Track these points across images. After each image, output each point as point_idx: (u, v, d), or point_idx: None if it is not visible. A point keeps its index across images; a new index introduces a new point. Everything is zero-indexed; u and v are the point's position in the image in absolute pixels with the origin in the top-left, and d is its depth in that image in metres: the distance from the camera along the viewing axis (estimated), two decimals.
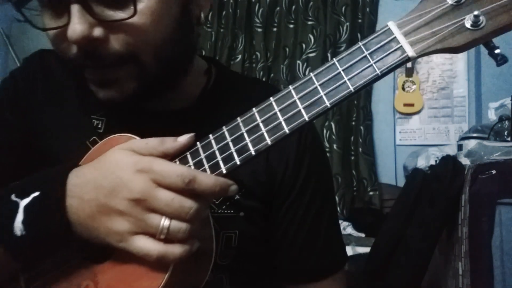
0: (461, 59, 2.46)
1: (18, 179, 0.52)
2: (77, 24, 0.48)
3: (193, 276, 0.49)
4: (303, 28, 2.61)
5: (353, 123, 2.51)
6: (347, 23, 2.54)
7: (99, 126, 0.64)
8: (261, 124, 0.45)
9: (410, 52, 0.40)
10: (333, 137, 2.46)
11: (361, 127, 2.48)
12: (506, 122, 1.71)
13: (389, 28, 0.42)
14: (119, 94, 0.55)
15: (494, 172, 1.39)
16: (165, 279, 0.44)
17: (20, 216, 0.47)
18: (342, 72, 0.42)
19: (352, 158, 2.49)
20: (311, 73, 0.44)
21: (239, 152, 0.46)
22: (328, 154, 2.46)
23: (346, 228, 2.15)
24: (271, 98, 0.46)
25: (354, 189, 2.44)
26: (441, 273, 1.65)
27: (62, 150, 0.61)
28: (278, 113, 0.44)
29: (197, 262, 0.49)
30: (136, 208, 0.44)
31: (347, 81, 0.42)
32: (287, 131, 0.44)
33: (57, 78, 0.67)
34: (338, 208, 2.37)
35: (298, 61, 2.59)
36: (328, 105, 0.42)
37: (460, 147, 1.69)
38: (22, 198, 0.47)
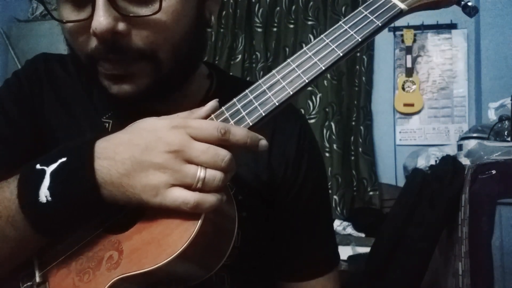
0: (461, 59, 2.46)
1: None
2: (103, 17, 0.50)
3: (218, 242, 0.50)
4: (303, 28, 2.61)
5: (353, 123, 2.51)
6: None
7: (108, 127, 0.64)
8: (280, 80, 0.50)
9: (403, 6, 0.50)
10: (333, 137, 2.46)
11: (361, 127, 2.48)
12: (506, 122, 1.71)
13: None
14: (133, 89, 0.56)
15: (494, 172, 1.39)
16: (197, 228, 0.45)
17: (46, 182, 0.47)
18: (348, 29, 0.50)
19: (352, 158, 2.49)
20: (321, 35, 0.51)
21: (262, 104, 0.50)
22: (328, 154, 2.46)
23: (346, 228, 2.15)
24: (288, 60, 0.51)
25: (354, 189, 2.44)
26: (441, 273, 1.65)
27: None
28: (296, 68, 0.50)
29: (222, 227, 0.50)
30: (173, 160, 0.46)
31: (354, 34, 0.50)
32: (306, 80, 0.49)
33: (62, 81, 0.67)
34: (338, 208, 2.37)
35: None
36: (340, 54, 0.49)
37: (460, 147, 1.69)
38: (48, 165, 0.48)
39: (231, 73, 2.58)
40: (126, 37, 0.52)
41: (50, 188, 0.46)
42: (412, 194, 1.57)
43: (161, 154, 0.46)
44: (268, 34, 2.67)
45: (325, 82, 2.51)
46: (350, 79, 2.53)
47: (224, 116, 0.51)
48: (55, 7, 0.57)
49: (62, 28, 0.57)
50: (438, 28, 2.48)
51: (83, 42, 0.54)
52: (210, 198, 0.46)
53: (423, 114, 2.49)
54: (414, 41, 2.50)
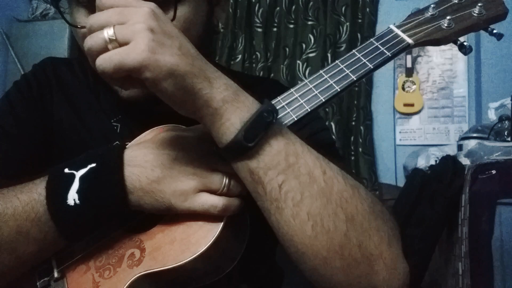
0: (461, 59, 2.46)
1: (34, 174, 0.53)
2: None
3: (236, 241, 0.53)
4: (303, 28, 2.60)
5: (353, 123, 2.51)
6: (347, 23, 2.54)
7: (117, 130, 0.66)
8: (299, 97, 0.54)
9: (410, 41, 0.56)
10: (333, 137, 2.46)
11: (361, 127, 2.48)
12: (506, 122, 1.71)
13: (391, 28, 0.58)
14: (143, 93, 0.57)
15: (494, 172, 1.39)
16: (220, 228, 0.48)
17: (75, 186, 0.49)
18: (361, 57, 0.55)
19: (352, 158, 2.49)
20: (336, 61, 0.56)
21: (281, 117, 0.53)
22: None
23: None
24: (306, 80, 0.55)
25: None
26: (441, 273, 1.65)
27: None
28: (313, 88, 0.54)
29: (239, 228, 0.53)
30: (202, 168, 0.49)
31: (366, 62, 0.55)
32: (323, 100, 0.54)
33: (70, 84, 0.69)
34: None
35: (298, 61, 2.59)
36: (354, 78, 0.54)
37: (460, 147, 1.69)
38: (77, 169, 0.50)
39: None
40: None
41: (79, 191, 0.48)
42: (412, 194, 1.57)
43: (190, 162, 0.49)
44: (268, 34, 2.67)
45: None
46: None
47: (281, 106, 0.54)
48: (67, 11, 0.58)
49: (74, 33, 0.59)
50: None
51: None
52: (235, 202, 0.50)
53: (423, 114, 2.49)
54: None
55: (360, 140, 2.48)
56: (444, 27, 0.57)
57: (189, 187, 0.49)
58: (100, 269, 0.52)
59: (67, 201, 0.48)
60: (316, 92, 0.53)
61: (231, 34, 2.67)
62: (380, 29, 2.58)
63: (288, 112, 0.53)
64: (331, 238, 0.45)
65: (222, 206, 0.49)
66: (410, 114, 2.50)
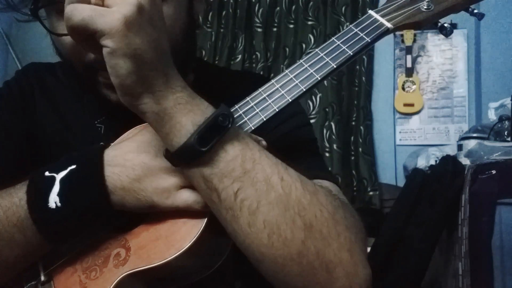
0: (461, 59, 2.46)
1: (17, 181, 0.52)
2: None
3: (221, 237, 0.51)
4: (303, 28, 2.60)
5: (353, 123, 2.51)
6: (347, 23, 2.54)
7: (101, 131, 0.65)
8: (279, 88, 0.54)
9: (389, 25, 0.56)
10: (333, 137, 2.46)
11: (361, 127, 2.48)
12: (506, 122, 1.71)
13: (369, 13, 0.58)
14: None
15: (494, 172, 1.39)
16: (204, 224, 0.48)
17: (56, 189, 0.48)
18: (340, 44, 0.55)
19: (352, 158, 2.48)
20: (316, 49, 0.56)
21: (263, 111, 0.53)
22: (328, 154, 2.46)
23: None
24: (286, 70, 0.55)
25: (354, 189, 2.44)
26: (441, 273, 1.65)
27: None
28: (293, 78, 0.54)
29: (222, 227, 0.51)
30: None
31: (346, 48, 0.55)
32: (304, 89, 0.53)
33: (53, 88, 0.68)
34: None
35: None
36: (334, 66, 0.54)
37: (460, 147, 1.69)
38: (58, 172, 0.49)
39: None
40: None
41: (59, 194, 0.48)
42: (412, 194, 1.57)
43: None
44: (268, 34, 2.67)
45: (325, 82, 2.51)
46: (350, 79, 2.53)
47: (238, 114, 0.54)
48: (45, 18, 0.57)
49: (55, 40, 0.57)
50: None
51: (81, 53, 0.55)
52: None
53: (423, 114, 2.49)
54: (414, 41, 2.50)
55: (360, 140, 2.48)
56: (424, 10, 0.57)
57: (171, 184, 0.48)
58: (86, 270, 0.52)
59: (48, 204, 0.48)
60: (297, 82, 0.53)
61: (231, 34, 2.67)
62: None
63: (270, 103, 0.53)
64: (288, 246, 0.44)
65: (204, 202, 0.48)
66: (410, 114, 2.50)
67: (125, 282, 0.49)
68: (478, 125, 1.96)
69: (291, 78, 0.54)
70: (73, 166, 0.49)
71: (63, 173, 0.49)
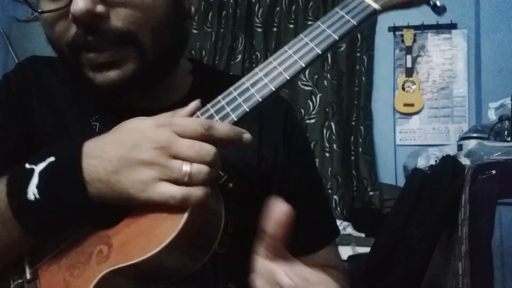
0: (461, 59, 2.46)
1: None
2: (81, 1, 0.51)
3: (205, 234, 0.50)
4: (303, 28, 2.58)
5: (353, 123, 2.51)
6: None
7: (96, 128, 0.65)
8: (263, 76, 0.52)
9: (376, 6, 0.52)
10: (333, 137, 2.46)
11: (361, 127, 2.48)
12: (506, 122, 1.71)
13: None
14: (118, 76, 0.57)
15: (494, 172, 1.39)
16: (184, 219, 0.46)
17: (34, 181, 0.48)
18: (326, 29, 0.52)
19: (352, 158, 2.49)
20: (300, 34, 0.53)
21: (246, 100, 0.51)
22: (328, 154, 2.46)
23: (346, 228, 2.15)
24: (270, 58, 0.52)
25: (354, 189, 2.44)
26: (441, 273, 1.65)
27: None
28: (277, 66, 0.52)
29: (208, 219, 0.50)
30: (160, 156, 0.47)
31: (332, 33, 0.52)
32: (288, 77, 0.51)
33: (51, 83, 0.68)
34: (338, 208, 2.37)
35: None
36: (319, 52, 0.51)
37: (460, 147, 1.69)
38: (37, 164, 0.49)
39: (231, 73, 2.58)
40: (105, 19, 0.54)
41: (38, 186, 0.48)
42: (412, 194, 1.57)
43: (148, 151, 0.47)
44: (268, 34, 2.67)
45: (325, 82, 2.51)
46: (350, 79, 2.53)
47: (209, 113, 0.52)
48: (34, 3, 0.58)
49: (42, 22, 0.58)
50: (438, 28, 2.48)
51: (63, 31, 0.55)
52: (197, 192, 0.46)
53: (423, 114, 2.49)
54: (414, 41, 2.50)
55: (360, 140, 2.48)
56: None
57: (148, 177, 0.47)
58: (70, 268, 0.51)
59: (27, 196, 0.48)
60: (280, 69, 0.51)
61: (231, 34, 2.67)
62: (379, 29, 2.58)
63: (253, 93, 0.51)
64: None
65: (181, 196, 0.46)
66: (410, 114, 2.51)
67: (108, 279, 0.48)
68: (478, 125, 1.96)
69: (275, 66, 0.52)
70: (52, 158, 0.49)
71: (42, 165, 0.49)
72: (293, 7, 2.64)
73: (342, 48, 2.53)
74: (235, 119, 0.51)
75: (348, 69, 2.53)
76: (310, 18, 2.60)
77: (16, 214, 0.49)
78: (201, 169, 0.46)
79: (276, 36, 2.66)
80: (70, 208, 0.49)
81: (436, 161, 1.83)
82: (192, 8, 0.64)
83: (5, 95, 0.66)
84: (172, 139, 0.47)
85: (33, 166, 0.49)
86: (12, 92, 0.66)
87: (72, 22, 0.53)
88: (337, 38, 0.51)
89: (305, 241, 0.68)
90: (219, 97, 0.52)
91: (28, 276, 0.53)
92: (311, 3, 2.60)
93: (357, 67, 2.54)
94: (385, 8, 0.52)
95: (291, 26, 2.63)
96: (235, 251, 0.64)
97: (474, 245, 1.38)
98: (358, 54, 2.55)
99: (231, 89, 0.52)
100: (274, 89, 0.51)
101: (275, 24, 2.67)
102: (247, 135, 0.50)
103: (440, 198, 1.50)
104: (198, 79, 0.71)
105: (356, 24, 0.51)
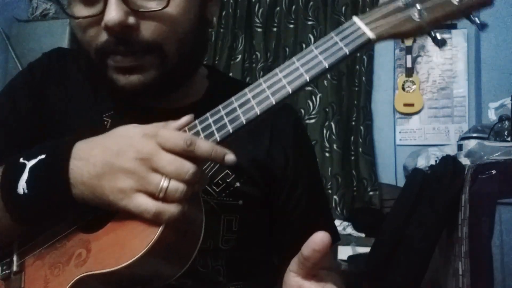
0: (461, 59, 2.46)
1: None
2: (114, 12, 0.54)
3: (181, 248, 0.51)
4: (303, 28, 2.60)
5: (353, 123, 2.51)
6: None
7: (107, 125, 0.67)
8: (251, 98, 0.51)
9: (371, 35, 0.49)
10: (333, 137, 2.46)
11: (361, 127, 2.48)
12: (506, 122, 1.71)
13: (353, 19, 0.51)
14: (140, 81, 0.59)
15: (494, 172, 1.39)
16: (155, 237, 0.47)
17: (25, 176, 0.51)
18: (318, 55, 0.50)
19: (352, 158, 2.48)
20: (293, 58, 0.51)
21: (231, 121, 0.51)
22: (328, 154, 2.46)
23: (346, 228, 2.15)
24: (260, 79, 0.52)
25: (354, 189, 2.44)
26: (441, 273, 1.65)
27: None
28: (266, 89, 0.51)
29: (186, 233, 0.51)
30: (140, 167, 0.48)
31: (323, 61, 0.50)
32: (274, 102, 0.50)
33: (73, 77, 0.70)
34: (338, 208, 2.37)
35: None
36: (308, 79, 0.49)
37: (460, 147, 1.69)
38: (29, 159, 0.52)
39: (230, 73, 2.58)
40: (135, 30, 0.56)
41: (27, 181, 0.51)
42: (412, 194, 1.57)
43: (130, 160, 0.48)
44: (268, 34, 2.67)
45: (325, 82, 2.51)
46: (350, 79, 2.53)
47: (196, 129, 0.52)
48: (66, 6, 0.61)
49: (73, 25, 0.61)
50: (438, 28, 2.47)
51: (93, 36, 0.58)
52: (170, 209, 0.47)
53: (423, 114, 2.49)
54: (414, 41, 2.50)
55: (360, 140, 2.48)
56: (415, 18, 0.49)
57: (126, 186, 0.48)
58: (52, 266, 0.53)
59: (17, 189, 0.51)
60: (268, 93, 0.50)
61: (231, 34, 2.67)
62: None
63: (239, 114, 0.50)
64: None
65: (154, 212, 0.46)
66: (410, 114, 2.50)
67: (83, 282, 0.49)
68: (478, 125, 1.96)
69: (264, 89, 0.50)
70: (43, 156, 0.51)
71: (33, 162, 0.51)
72: (293, 7, 2.64)
73: None
74: (218, 139, 0.50)
75: (348, 69, 2.53)
76: (310, 18, 2.60)
77: (6, 205, 0.52)
78: (177, 187, 0.47)
79: (276, 36, 2.66)
80: (54, 205, 0.52)
81: (436, 161, 1.83)
82: (214, 19, 0.67)
83: (28, 82, 0.69)
84: (154, 151, 0.48)
85: (26, 161, 0.52)
86: (34, 79, 0.69)
87: (104, 30, 0.56)
88: (327, 67, 0.49)
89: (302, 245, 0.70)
90: (208, 114, 0.52)
91: (14, 268, 0.56)
92: (311, 3, 2.60)
93: (357, 67, 2.54)
94: (381, 38, 0.50)
95: (291, 26, 2.63)
96: (239, 248, 0.65)
97: (474, 245, 1.38)
98: (358, 54, 2.55)
99: (220, 107, 0.52)
100: (259, 113, 0.50)
101: (275, 24, 2.67)
102: (229, 156, 0.50)
103: (440, 198, 1.50)
104: (213, 84, 0.73)
105: (348, 53, 0.49)
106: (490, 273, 1.33)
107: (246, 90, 0.52)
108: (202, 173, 0.50)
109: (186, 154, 0.47)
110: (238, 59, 2.65)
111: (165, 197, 0.47)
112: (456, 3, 0.48)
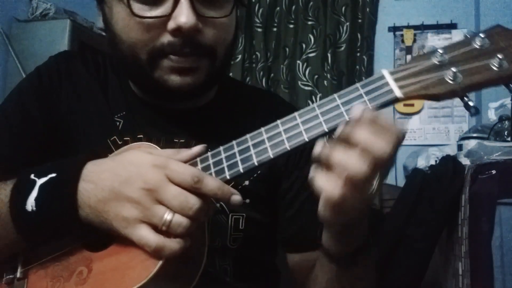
0: None
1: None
2: (190, 15, 0.56)
3: (182, 276, 0.51)
4: (303, 28, 2.60)
5: None
6: (347, 23, 2.54)
7: (119, 126, 0.67)
8: (266, 139, 0.50)
9: (399, 94, 0.46)
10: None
11: None
12: (506, 122, 1.71)
13: (383, 73, 0.48)
14: (193, 81, 0.61)
15: (494, 172, 1.39)
16: (154, 270, 0.47)
17: (34, 193, 0.51)
18: (341, 106, 0.48)
19: None
20: (314, 104, 0.49)
21: (243, 161, 0.50)
22: None
23: None
24: (278, 121, 0.50)
25: None
26: (441, 273, 1.65)
27: (86, 146, 0.66)
28: (282, 132, 0.49)
29: (187, 263, 0.51)
30: (146, 197, 0.48)
31: (344, 113, 0.47)
32: (288, 148, 0.48)
33: (81, 79, 0.70)
34: None
35: (298, 61, 2.59)
36: (326, 130, 0.47)
37: (460, 147, 1.69)
38: (40, 177, 0.52)
39: (230, 74, 2.58)
40: (201, 34, 0.59)
41: (36, 199, 0.51)
42: (412, 194, 1.57)
43: (136, 190, 0.48)
44: (268, 34, 2.67)
45: (325, 82, 2.51)
46: (350, 79, 2.53)
47: (207, 163, 0.52)
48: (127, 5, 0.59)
49: (124, 24, 0.59)
50: (438, 28, 2.48)
51: (153, 36, 0.58)
52: (171, 245, 0.47)
53: (423, 114, 2.49)
54: (414, 41, 2.50)
55: None
56: (449, 80, 0.46)
57: (130, 215, 0.48)
58: (54, 278, 0.53)
59: (26, 206, 0.51)
60: (284, 137, 0.48)
61: None
62: (379, 29, 2.58)
63: (252, 154, 0.50)
64: None
65: (155, 247, 0.47)
66: (410, 114, 2.51)
67: None
68: (478, 125, 1.96)
69: (280, 132, 0.49)
70: (53, 175, 0.52)
71: (43, 180, 0.52)
72: (293, 7, 2.64)
73: (342, 48, 2.54)
74: (228, 177, 0.50)
75: (348, 69, 2.53)
76: (310, 18, 2.60)
77: (14, 221, 0.52)
78: (181, 221, 0.47)
79: (276, 36, 2.66)
80: (60, 225, 0.52)
81: (436, 161, 1.83)
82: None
83: (36, 86, 0.69)
84: (161, 183, 0.48)
85: (36, 179, 0.52)
86: (42, 84, 0.69)
87: (173, 32, 0.57)
88: (348, 119, 0.47)
89: (306, 238, 0.70)
90: (221, 148, 0.52)
91: (18, 274, 0.56)
92: (311, 3, 2.60)
93: (357, 67, 2.54)
94: (408, 98, 0.47)
95: (291, 26, 2.63)
96: (246, 247, 0.66)
97: (474, 245, 1.38)
98: (358, 54, 2.55)
99: (234, 142, 0.51)
100: (272, 157, 0.48)
101: (275, 24, 2.67)
102: (235, 197, 0.50)
103: (440, 198, 1.50)
104: (222, 87, 0.74)
105: (371, 109, 0.46)
106: (490, 273, 1.33)
107: (262, 130, 0.50)
108: (209, 206, 0.50)
109: (193, 189, 0.48)
110: (238, 59, 2.66)
111: (168, 230, 0.47)
112: (496, 69, 0.45)
